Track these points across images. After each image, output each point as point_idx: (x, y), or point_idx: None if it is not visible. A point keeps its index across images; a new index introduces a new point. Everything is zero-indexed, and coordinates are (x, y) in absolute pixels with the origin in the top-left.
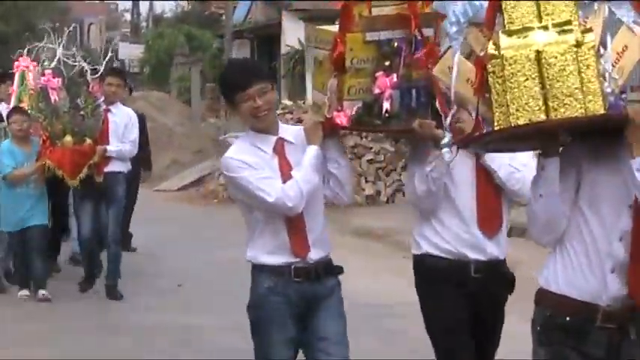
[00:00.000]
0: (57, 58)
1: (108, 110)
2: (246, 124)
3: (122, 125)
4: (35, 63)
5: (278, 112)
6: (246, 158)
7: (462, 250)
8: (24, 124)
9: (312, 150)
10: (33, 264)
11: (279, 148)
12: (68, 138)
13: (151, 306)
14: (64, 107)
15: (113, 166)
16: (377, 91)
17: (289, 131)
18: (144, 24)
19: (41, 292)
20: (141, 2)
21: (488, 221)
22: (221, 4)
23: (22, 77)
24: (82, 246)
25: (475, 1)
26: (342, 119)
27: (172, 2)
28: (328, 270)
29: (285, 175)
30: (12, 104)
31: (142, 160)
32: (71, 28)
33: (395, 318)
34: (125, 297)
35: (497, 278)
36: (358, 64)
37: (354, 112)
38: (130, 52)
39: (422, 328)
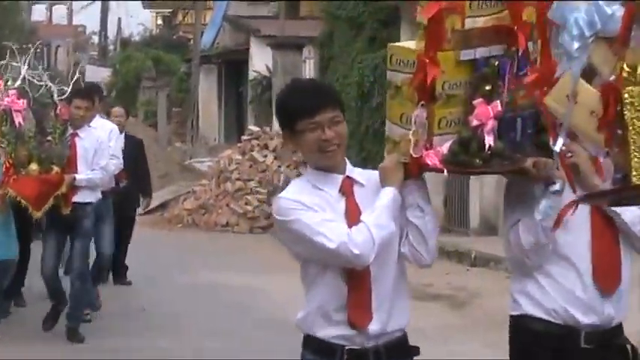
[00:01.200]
0: (22, 77)
1: (75, 135)
2: (308, 159)
3: (92, 150)
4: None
5: (244, 137)
6: (305, 199)
7: (573, 312)
8: None
9: (389, 192)
10: None
11: (347, 189)
12: (34, 166)
13: (114, 329)
14: (29, 132)
15: (82, 196)
16: (475, 122)
17: (357, 172)
18: (111, 47)
19: None
20: (109, 25)
21: (607, 275)
22: (189, 29)
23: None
24: (45, 281)
25: (605, 6)
26: (432, 159)
27: (140, 26)
28: (397, 352)
29: (353, 221)
30: None
31: (140, 186)
32: (38, 48)
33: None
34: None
35: (613, 351)
36: (450, 89)
37: (446, 150)
38: (98, 75)
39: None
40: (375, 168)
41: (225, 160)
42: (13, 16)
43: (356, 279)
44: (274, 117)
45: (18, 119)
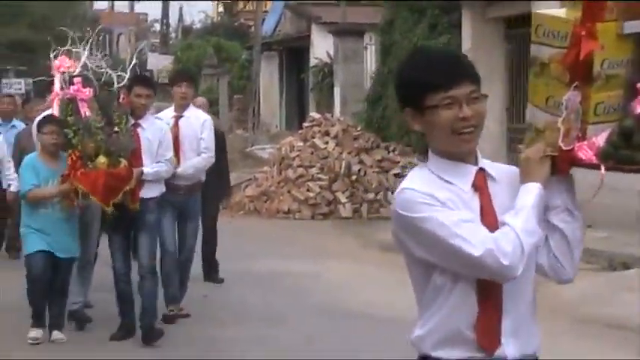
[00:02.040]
0: (81, 63)
1: (137, 125)
2: (436, 143)
3: (155, 142)
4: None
5: (306, 124)
6: (436, 193)
7: None
8: (59, 137)
9: (534, 189)
10: (52, 300)
11: (481, 184)
12: (102, 159)
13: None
14: (96, 123)
15: (147, 191)
16: None
17: (487, 163)
18: (173, 35)
19: (56, 334)
20: (170, 13)
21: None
22: (250, 16)
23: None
24: (116, 286)
25: None
26: (586, 152)
27: (201, 14)
28: None
29: (490, 224)
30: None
31: (220, 182)
32: (99, 36)
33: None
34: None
35: None
36: (610, 68)
37: (602, 142)
38: (159, 63)
39: None
40: None
41: (286, 146)
42: (75, 4)
43: (488, 294)
44: (335, 103)
45: (84, 109)
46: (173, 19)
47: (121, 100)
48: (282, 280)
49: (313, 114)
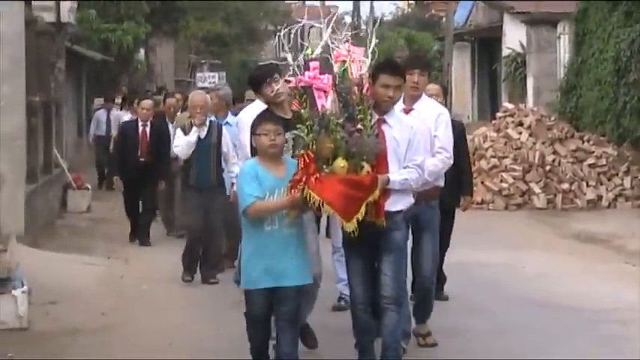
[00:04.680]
0: (324, 42)
1: (383, 122)
2: None
3: (404, 143)
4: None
5: (499, 114)
6: None
7: None
8: (278, 137)
9: None
10: (280, 340)
11: None
12: (341, 163)
13: None
14: (335, 118)
15: (393, 204)
16: None
17: None
18: (364, 27)
19: None
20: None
21: None
22: (441, 7)
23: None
24: (353, 316)
25: None
26: None
27: (392, 5)
28: None
29: None
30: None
31: (463, 181)
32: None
33: (614, 323)
34: None
35: None
36: None
37: None
38: None
39: None
40: (632, 144)
41: (479, 137)
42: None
43: None
44: (528, 94)
45: (321, 101)
46: (364, 11)
47: (365, 91)
48: (478, 271)
49: (506, 104)
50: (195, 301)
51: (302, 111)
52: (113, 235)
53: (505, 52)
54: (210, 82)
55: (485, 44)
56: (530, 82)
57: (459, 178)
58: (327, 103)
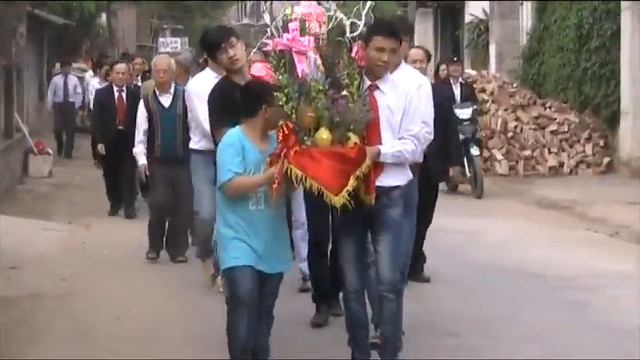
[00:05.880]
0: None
1: (375, 88)
2: None
3: (399, 111)
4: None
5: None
6: None
7: None
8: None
9: None
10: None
11: None
12: (324, 134)
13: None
14: (317, 84)
15: (387, 178)
16: None
17: None
18: None
19: None
20: None
21: None
22: None
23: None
24: (345, 306)
25: None
26: None
27: None
28: None
29: None
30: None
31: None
32: None
33: (578, 290)
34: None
35: None
36: None
37: None
38: None
39: (606, 300)
40: (594, 111)
41: None
42: None
43: None
44: (491, 60)
45: (301, 66)
46: None
47: (354, 54)
48: (441, 238)
49: (469, 71)
50: (157, 266)
51: (280, 77)
52: (75, 200)
53: (468, 18)
54: (172, 48)
55: (448, 10)
56: (492, 49)
57: (447, 150)
58: (307, 67)
